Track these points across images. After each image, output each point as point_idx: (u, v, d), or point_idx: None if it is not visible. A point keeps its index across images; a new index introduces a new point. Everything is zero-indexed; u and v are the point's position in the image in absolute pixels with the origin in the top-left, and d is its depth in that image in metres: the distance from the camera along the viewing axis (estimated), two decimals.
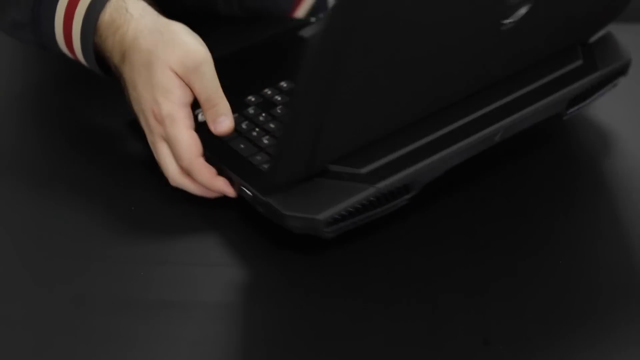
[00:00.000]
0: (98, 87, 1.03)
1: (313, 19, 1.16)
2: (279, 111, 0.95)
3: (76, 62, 1.00)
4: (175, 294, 0.85)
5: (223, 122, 0.91)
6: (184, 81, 0.90)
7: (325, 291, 0.85)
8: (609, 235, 0.91)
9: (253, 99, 0.97)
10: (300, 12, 1.20)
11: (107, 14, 0.95)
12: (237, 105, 0.94)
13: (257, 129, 0.93)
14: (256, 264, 0.88)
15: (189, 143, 0.90)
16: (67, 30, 0.97)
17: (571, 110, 0.95)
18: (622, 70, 0.99)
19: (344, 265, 0.87)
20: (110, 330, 0.82)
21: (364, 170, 0.85)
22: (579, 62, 0.96)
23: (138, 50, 0.92)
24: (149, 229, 0.91)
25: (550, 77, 0.94)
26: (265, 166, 0.88)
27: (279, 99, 0.96)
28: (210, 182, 0.90)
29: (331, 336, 0.81)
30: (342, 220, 0.83)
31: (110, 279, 0.87)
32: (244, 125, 0.93)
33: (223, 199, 0.91)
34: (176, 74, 0.90)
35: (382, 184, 0.84)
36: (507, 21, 0.86)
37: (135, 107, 0.94)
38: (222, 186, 0.90)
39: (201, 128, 0.91)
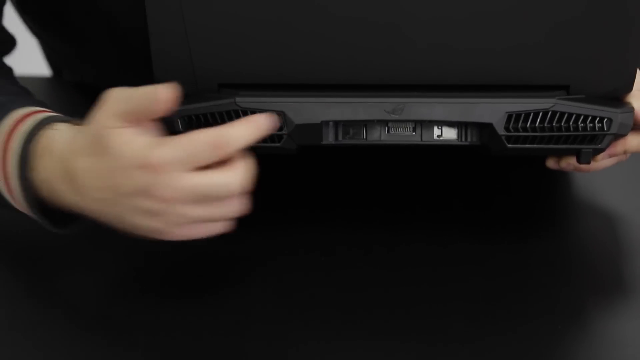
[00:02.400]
0: None
1: None
2: None
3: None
4: None
5: (164, 91, 0.78)
6: (132, 122, 0.78)
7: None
8: (612, 299, 0.90)
9: None
10: None
11: (36, 144, 0.82)
12: None
13: None
14: None
15: (227, 176, 0.79)
16: (5, 174, 0.84)
17: (514, 135, 0.85)
18: (593, 131, 0.85)
19: (344, 290, 0.89)
20: None
21: (242, 93, 0.86)
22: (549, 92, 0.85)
23: (78, 144, 0.79)
24: None
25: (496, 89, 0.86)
26: None
27: None
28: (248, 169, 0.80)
29: None
30: (198, 123, 0.85)
31: None
32: None
33: None
34: (123, 121, 0.78)
35: (241, 100, 0.85)
36: None
37: (121, 212, 0.79)
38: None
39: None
